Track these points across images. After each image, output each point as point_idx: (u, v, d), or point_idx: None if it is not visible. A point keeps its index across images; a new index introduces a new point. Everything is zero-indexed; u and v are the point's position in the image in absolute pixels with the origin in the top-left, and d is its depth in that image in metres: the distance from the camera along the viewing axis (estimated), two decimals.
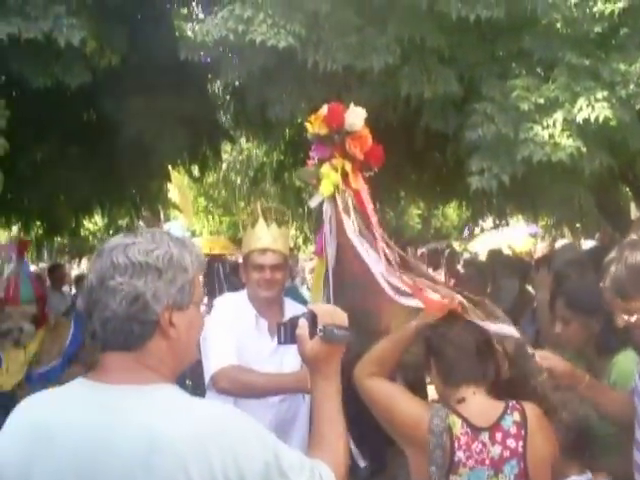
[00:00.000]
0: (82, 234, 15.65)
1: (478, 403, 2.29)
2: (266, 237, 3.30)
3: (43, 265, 16.21)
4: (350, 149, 2.72)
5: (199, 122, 7.42)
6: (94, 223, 15.36)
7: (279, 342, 1.98)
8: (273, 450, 1.54)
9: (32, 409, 1.57)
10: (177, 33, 6.15)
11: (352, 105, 2.75)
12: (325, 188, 2.77)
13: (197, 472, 1.40)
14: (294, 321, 1.84)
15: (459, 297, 2.40)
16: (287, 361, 3.12)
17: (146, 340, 1.54)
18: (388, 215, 19.44)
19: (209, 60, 5.56)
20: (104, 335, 1.54)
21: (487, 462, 2.21)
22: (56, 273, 9.41)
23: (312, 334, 1.79)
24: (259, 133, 8.39)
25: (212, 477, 1.41)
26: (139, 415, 1.46)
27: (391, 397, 2.38)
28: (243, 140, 15.81)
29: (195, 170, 9.19)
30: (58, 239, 17.32)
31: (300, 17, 4.64)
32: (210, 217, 21.31)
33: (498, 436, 2.23)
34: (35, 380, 4.02)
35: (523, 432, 2.24)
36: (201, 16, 6.74)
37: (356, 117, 2.74)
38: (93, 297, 1.53)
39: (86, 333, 1.53)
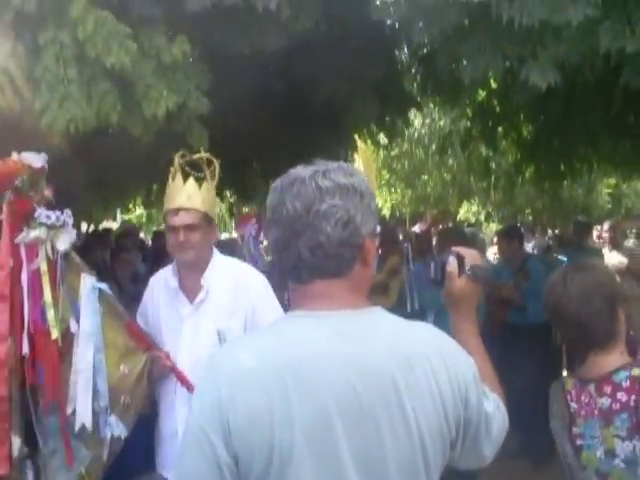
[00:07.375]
0: None
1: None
2: (180, 195, 3.09)
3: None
4: None
5: (387, 90, 7.44)
6: None
7: (434, 279, 1.94)
8: (474, 366, 1.59)
9: (257, 352, 1.47)
10: None
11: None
12: None
13: (443, 383, 1.50)
14: (444, 260, 1.88)
15: None
16: (204, 325, 3.08)
17: (352, 266, 1.53)
18: (575, 192, 18.54)
19: (398, 23, 5.52)
20: (314, 261, 1.49)
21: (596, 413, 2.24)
22: None
23: (460, 273, 1.84)
24: (448, 99, 8.28)
25: (451, 387, 1.51)
26: (381, 338, 1.50)
27: None
28: (427, 111, 15.65)
29: (382, 139, 9.24)
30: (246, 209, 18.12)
31: None
32: (392, 190, 21.26)
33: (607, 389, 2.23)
34: None
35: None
36: None
37: None
38: (298, 224, 1.48)
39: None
